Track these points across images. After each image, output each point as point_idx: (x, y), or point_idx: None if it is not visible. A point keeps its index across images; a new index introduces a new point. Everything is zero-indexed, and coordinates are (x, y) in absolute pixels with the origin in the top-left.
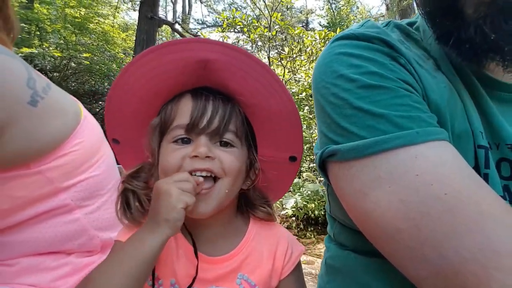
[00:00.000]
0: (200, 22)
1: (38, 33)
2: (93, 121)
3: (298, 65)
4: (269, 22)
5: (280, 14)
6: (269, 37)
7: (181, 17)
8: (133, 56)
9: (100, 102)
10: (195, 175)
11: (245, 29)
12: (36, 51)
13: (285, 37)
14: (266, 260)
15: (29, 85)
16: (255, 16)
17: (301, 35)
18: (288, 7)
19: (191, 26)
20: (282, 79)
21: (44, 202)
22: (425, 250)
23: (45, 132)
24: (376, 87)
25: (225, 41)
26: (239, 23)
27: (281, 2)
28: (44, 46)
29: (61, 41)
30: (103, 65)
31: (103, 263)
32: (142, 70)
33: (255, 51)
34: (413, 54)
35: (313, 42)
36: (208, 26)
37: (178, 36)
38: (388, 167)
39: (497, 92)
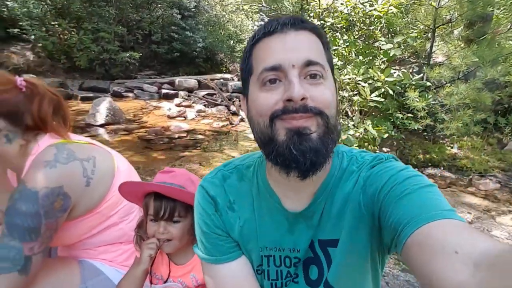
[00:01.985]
0: None
1: None
2: (123, 167)
3: None
4: None
5: None
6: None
7: None
8: None
9: None
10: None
11: None
12: None
13: None
14: None
15: (84, 175)
16: None
17: None
18: None
19: None
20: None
21: (103, 224)
22: None
23: (97, 194)
24: (205, 232)
25: None
26: None
27: None
28: None
29: None
30: None
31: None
32: (132, 189)
33: None
34: (240, 195)
35: None
36: None
37: None
38: (208, 271)
39: (286, 213)
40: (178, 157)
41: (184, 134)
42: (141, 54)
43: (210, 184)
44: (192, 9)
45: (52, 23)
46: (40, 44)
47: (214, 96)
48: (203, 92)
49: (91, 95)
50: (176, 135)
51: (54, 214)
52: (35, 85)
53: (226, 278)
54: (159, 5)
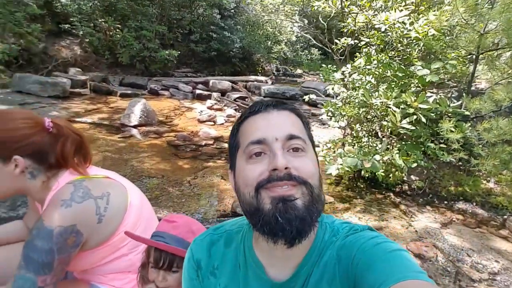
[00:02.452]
0: None
1: None
2: (136, 202)
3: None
4: None
5: None
6: None
7: None
8: None
9: None
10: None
11: None
12: None
13: None
14: None
15: (97, 213)
16: None
17: None
18: None
19: None
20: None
21: (114, 254)
22: None
23: (108, 229)
24: None
25: None
26: None
27: None
28: None
29: None
30: None
31: None
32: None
33: None
34: (224, 261)
35: None
36: None
37: None
38: None
39: (270, 283)
40: (202, 168)
41: (211, 142)
42: (179, 52)
43: (198, 247)
44: (232, 10)
45: (99, 20)
46: (87, 40)
47: (246, 99)
48: (235, 95)
49: (129, 92)
50: (203, 142)
51: (67, 250)
52: (60, 127)
53: None
54: (200, 4)
